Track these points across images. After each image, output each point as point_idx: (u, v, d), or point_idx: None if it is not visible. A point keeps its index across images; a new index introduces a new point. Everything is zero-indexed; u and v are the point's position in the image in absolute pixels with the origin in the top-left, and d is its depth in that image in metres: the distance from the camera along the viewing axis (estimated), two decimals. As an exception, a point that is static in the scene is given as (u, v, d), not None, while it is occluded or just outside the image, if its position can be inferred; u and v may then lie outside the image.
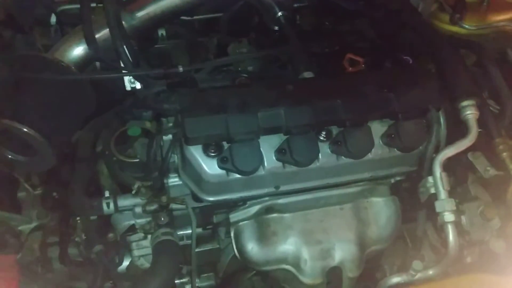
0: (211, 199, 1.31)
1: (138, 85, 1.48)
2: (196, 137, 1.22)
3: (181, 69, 1.30)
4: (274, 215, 1.37)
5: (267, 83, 1.38)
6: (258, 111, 1.24)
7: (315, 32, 1.61)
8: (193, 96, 1.26)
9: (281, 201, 1.36)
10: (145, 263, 1.34)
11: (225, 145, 1.25)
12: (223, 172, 1.26)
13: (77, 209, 1.33)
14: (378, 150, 1.32)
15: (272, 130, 1.26)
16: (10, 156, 1.36)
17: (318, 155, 1.27)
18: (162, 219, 1.27)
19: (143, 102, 1.31)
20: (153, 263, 1.25)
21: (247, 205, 1.37)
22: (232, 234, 1.37)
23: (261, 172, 1.27)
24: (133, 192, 1.31)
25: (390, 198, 1.43)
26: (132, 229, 1.33)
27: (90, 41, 1.34)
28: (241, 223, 1.37)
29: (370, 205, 1.42)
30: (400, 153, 1.34)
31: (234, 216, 1.37)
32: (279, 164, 1.27)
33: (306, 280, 1.34)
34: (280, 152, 1.26)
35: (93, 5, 1.54)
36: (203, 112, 1.23)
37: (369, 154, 1.31)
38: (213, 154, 1.25)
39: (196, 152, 1.25)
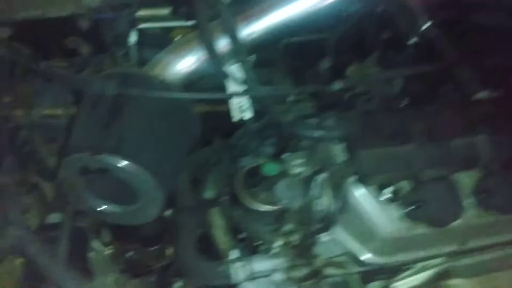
0: (381, 261, 0.96)
1: (248, 115, 1.17)
2: (374, 175, 0.89)
3: (338, 85, 0.98)
4: (453, 281, 1.02)
5: (452, 105, 1.06)
6: (450, 140, 0.92)
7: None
8: (361, 120, 0.93)
9: (463, 262, 1.02)
10: None
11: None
12: (407, 224, 0.91)
13: (194, 276, 0.97)
14: None
15: (469, 165, 0.93)
16: (101, 208, 1.01)
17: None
18: (325, 289, 0.92)
19: (285, 128, 0.98)
20: None
21: (414, 269, 1.03)
22: (396, 309, 1.02)
23: (456, 222, 0.93)
24: (274, 251, 0.96)
25: None
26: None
27: (212, 51, 1.02)
28: (410, 294, 1.02)
29: None
30: None
31: (400, 284, 1.02)
32: (480, 210, 0.93)
33: None
34: (484, 194, 0.92)
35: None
36: (379, 142, 0.90)
37: None
38: (390, 197, 0.92)
39: (368, 197, 0.91)
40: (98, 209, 1.03)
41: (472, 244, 0.99)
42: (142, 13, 1.31)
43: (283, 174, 1.00)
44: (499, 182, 0.92)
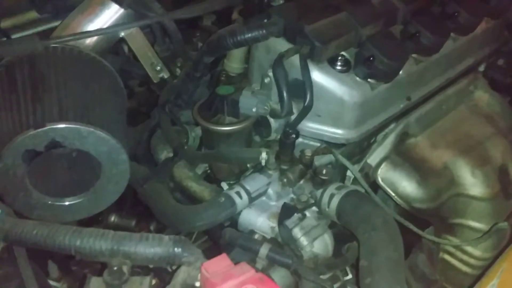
0: (354, 135, 0.98)
1: (166, 74, 1.13)
2: (327, 45, 0.91)
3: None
4: (411, 140, 1.10)
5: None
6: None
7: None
8: (293, 8, 0.96)
9: (413, 117, 1.10)
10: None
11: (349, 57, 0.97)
12: (367, 86, 0.96)
13: (195, 223, 0.88)
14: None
15: (392, 18, 1.03)
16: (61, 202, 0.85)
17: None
18: (324, 171, 0.90)
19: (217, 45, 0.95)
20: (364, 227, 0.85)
21: (378, 142, 1.08)
22: (379, 181, 1.05)
23: (400, 75, 1.00)
24: (259, 167, 0.92)
25: (490, 91, 1.27)
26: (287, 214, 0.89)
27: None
28: (384, 164, 1.06)
29: (480, 99, 1.25)
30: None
31: (372, 159, 1.06)
32: (412, 61, 1.03)
33: (482, 191, 1.07)
34: (412, 39, 1.01)
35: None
36: (317, 17, 0.94)
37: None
38: (343, 68, 0.95)
39: (326, 71, 0.94)
40: (50, 202, 0.87)
41: (415, 96, 1.08)
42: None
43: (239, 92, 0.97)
44: (423, 25, 1.02)
